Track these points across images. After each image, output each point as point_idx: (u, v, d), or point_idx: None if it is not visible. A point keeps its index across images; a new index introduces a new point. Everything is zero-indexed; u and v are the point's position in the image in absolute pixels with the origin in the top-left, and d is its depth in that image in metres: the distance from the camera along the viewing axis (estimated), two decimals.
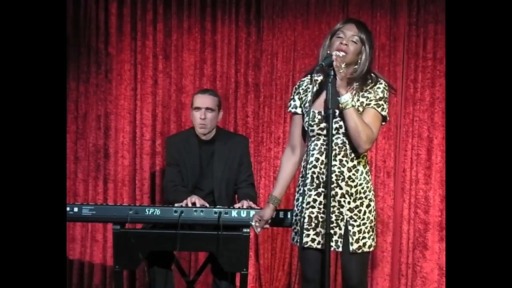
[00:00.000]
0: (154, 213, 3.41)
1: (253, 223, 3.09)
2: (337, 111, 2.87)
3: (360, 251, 2.88)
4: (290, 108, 3.06)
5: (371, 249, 2.93)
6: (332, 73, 2.81)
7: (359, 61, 2.91)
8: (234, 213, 3.41)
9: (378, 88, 2.91)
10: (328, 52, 2.90)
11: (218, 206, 3.56)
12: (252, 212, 3.36)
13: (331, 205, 2.86)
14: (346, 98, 2.81)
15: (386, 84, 2.94)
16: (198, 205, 3.55)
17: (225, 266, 3.43)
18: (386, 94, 2.93)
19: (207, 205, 3.56)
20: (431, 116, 4.70)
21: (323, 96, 2.92)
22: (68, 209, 3.38)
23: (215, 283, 3.76)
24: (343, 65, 2.80)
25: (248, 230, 3.40)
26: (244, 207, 3.49)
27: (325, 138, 2.90)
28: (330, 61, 2.81)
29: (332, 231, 2.87)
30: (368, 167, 2.98)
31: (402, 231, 4.68)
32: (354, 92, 2.89)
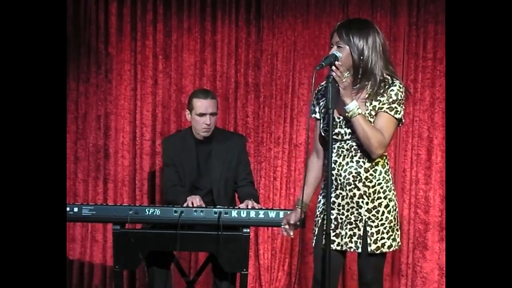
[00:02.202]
0: (154, 213, 3.41)
1: (285, 227, 3.00)
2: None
3: (378, 251, 2.87)
4: (311, 114, 3.04)
5: (391, 249, 2.89)
6: (332, 73, 2.80)
7: (355, 60, 2.85)
8: (234, 213, 3.41)
9: (392, 90, 2.84)
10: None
11: (218, 206, 3.56)
12: (251, 212, 3.37)
13: (350, 206, 2.88)
14: (351, 107, 2.79)
15: (400, 86, 2.86)
16: (199, 205, 3.55)
17: (225, 266, 3.43)
18: (401, 96, 2.85)
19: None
20: (431, 116, 4.70)
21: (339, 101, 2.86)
22: (68, 209, 3.39)
23: (215, 283, 3.76)
24: (345, 74, 2.78)
25: (248, 230, 3.41)
26: (249, 207, 3.50)
27: (341, 142, 2.90)
28: (330, 61, 2.80)
29: (351, 232, 2.88)
30: (388, 166, 2.94)
31: (402, 231, 4.68)
32: (367, 96, 2.86)
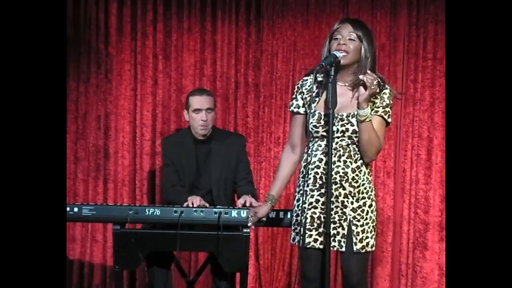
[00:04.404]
0: (154, 213, 3.40)
1: (250, 218, 3.14)
2: (344, 114, 2.88)
3: (363, 250, 2.90)
4: (292, 108, 3.05)
5: (373, 248, 2.95)
6: (332, 73, 2.81)
7: (360, 58, 2.90)
8: (234, 213, 3.41)
9: (384, 94, 2.93)
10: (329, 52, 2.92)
11: (218, 206, 3.56)
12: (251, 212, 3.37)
13: (334, 205, 2.89)
14: (366, 112, 2.84)
15: (391, 90, 2.96)
16: (200, 205, 3.55)
17: (225, 266, 3.43)
18: (391, 100, 2.95)
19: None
20: (431, 116, 4.70)
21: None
22: (68, 209, 3.38)
23: (215, 283, 3.76)
24: (375, 82, 2.82)
25: (248, 230, 3.40)
26: (247, 203, 3.50)
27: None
28: (330, 61, 2.81)
29: (335, 231, 2.88)
30: (370, 167, 3.01)
31: (402, 231, 4.69)
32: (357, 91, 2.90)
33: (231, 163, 3.92)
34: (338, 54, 2.84)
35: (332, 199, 2.88)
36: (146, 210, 3.41)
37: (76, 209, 3.42)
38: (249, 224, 3.13)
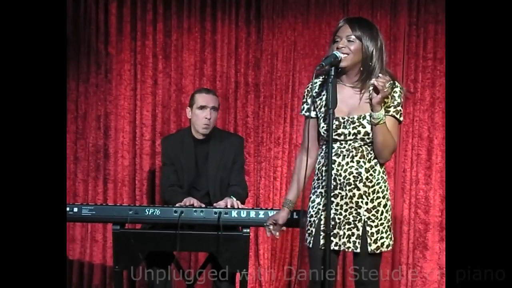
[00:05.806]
0: (154, 213, 3.40)
1: (269, 227, 3.00)
2: (355, 116, 2.87)
3: (378, 251, 2.88)
4: (303, 112, 3.01)
5: (389, 248, 2.91)
6: (333, 73, 2.80)
7: (363, 57, 2.85)
8: (234, 213, 3.41)
9: (395, 92, 2.87)
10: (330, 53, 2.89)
11: (218, 207, 3.56)
12: (251, 212, 3.37)
13: (349, 206, 2.88)
14: (380, 114, 2.82)
15: (401, 88, 2.90)
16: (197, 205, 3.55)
17: (225, 266, 3.43)
18: (402, 98, 2.91)
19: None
20: (431, 116, 4.70)
21: (339, 101, 2.83)
22: (68, 209, 3.38)
23: (215, 284, 3.76)
24: (387, 85, 2.79)
25: (248, 230, 3.40)
26: (228, 206, 3.50)
27: (342, 142, 2.89)
28: (330, 61, 2.80)
29: (349, 232, 2.87)
30: (384, 166, 2.96)
31: (402, 231, 4.69)
32: (370, 94, 2.87)
33: (228, 164, 3.92)
34: (338, 54, 2.83)
35: (346, 200, 2.88)
36: (146, 210, 3.41)
37: (76, 209, 3.42)
38: (276, 235, 3.00)
